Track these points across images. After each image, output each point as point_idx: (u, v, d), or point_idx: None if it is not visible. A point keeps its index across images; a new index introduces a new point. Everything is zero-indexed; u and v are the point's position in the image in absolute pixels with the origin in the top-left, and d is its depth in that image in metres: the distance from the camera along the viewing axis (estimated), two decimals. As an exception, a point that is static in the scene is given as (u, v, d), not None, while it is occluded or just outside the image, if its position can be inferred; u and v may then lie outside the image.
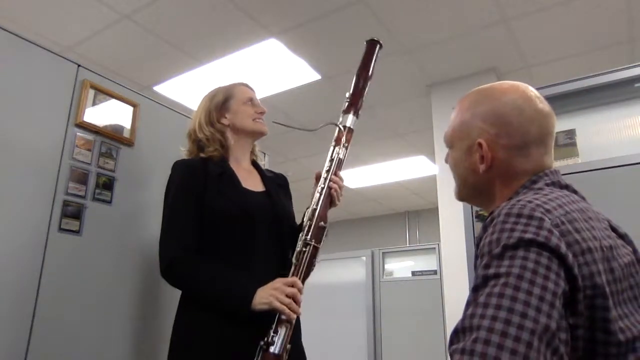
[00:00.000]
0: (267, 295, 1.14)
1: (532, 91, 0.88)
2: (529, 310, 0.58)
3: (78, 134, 1.50)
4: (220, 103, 1.47)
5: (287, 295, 1.14)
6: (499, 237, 0.66)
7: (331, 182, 1.34)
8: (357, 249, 4.77)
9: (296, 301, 1.15)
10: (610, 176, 1.53)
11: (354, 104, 1.47)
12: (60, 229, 1.41)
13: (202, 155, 1.41)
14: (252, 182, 1.41)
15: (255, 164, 1.51)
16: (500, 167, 0.83)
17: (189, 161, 1.40)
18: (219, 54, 3.33)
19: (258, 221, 1.30)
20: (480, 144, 0.84)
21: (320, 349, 3.66)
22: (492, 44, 3.21)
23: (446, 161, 0.96)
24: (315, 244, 1.24)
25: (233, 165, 1.41)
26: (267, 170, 1.54)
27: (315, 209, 1.27)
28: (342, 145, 1.40)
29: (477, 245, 0.74)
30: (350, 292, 4.42)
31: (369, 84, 1.51)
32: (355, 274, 4.51)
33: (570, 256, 0.64)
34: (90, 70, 1.58)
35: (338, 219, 7.50)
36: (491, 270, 0.63)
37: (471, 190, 0.90)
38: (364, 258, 4.54)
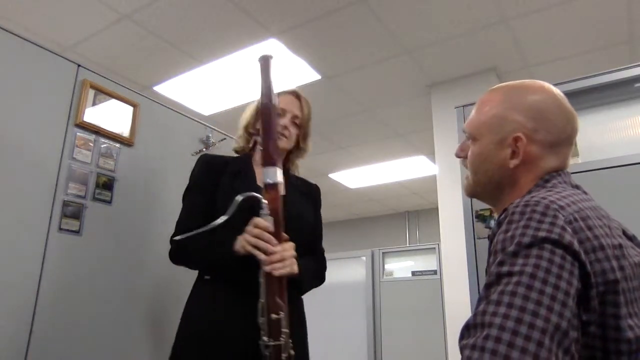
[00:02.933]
0: (240, 240, 1.17)
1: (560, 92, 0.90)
2: (540, 309, 0.58)
3: (78, 134, 1.50)
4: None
5: (254, 237, 1.15)
6: (513, 234, 0.67)
7: (271, 265, 1.14)
8: (357, 249, 4.77)
9: (265, 240, 1.14)
10: (610, 176, 1.53)
11: (270, 151, 1.19)
12: (60, 229, 1.41)
13: (236, 148, 1.46)
14: None
15: (285, 171, 1.43)
16: (530, 164, 0.83)
17: (209, 157, 1.42)
18: (219, 54, 3.33)
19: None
20: (516, 139, 0.83)
21: (320, 348, 3.66)
22: (492, 44, 3.21)
23: (458, 155, 0.94)
24: (275, 343, 1.08)
25: (257, 166, 1.39)
26: (300, 178, 1.50)
27: (263, 302, 1.12)
28: (276, 209, 1.17)
29: (490, 241, 0.74)
30: (350, 292, 4.42)
31: (276, 109, 1.28)
32: (355, 274, 4.51)
33: (582, 253, 0.64)
34: (90, 70, 1.58)
35: (338, 219, 7.50)
36: (505, 268, 0.64)
37: (491, 185, 0.87)
38: (364, 258, 4.54)
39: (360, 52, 3.31)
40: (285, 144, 1.39)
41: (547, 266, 0.62)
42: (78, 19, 2.99)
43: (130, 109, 1.67)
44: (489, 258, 0.72)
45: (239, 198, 1.14)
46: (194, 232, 1.19)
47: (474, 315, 0.62)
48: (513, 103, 0.87)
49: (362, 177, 5.77)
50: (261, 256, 1.12)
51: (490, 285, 0.64)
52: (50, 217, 1.39)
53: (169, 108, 1.84)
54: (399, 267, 4.53)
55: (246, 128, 1.45)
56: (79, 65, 1.55)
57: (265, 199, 1.15)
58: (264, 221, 1.15)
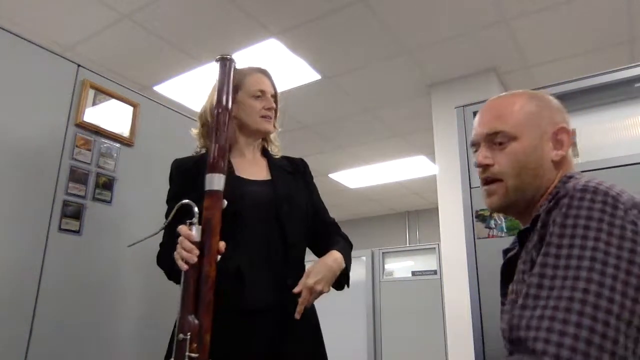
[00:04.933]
0: None
1: None
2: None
3: (78, 134, 1.50)
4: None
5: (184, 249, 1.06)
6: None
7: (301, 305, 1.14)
8: (357, 249, 4.75)
9: (187, 249, 1.04)
10: (610, 176, 1.53)
11: (216, 157, 1.13)
12: (60, 229, 1.41)
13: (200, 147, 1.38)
14: (255, 172, 1.34)
15: (266, 153, 1.42)
16: (565, 159, 0.86)
17: (178, 163, 1.35)
18: (219, 54, 3.33)
19: (248, 209, 1.23)
20: (558, 131, 0.86)
21: (320, 349, 3.66)
22: (492, 44, 3.21)
23: (485, 163, 0.87)
24: None
25: (235, 156, 1.35)
26: (284, 157, 1.44)
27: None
28: (211, 218, 1.08)
29: (544, 224, 0.74)
30: (350, 292, 4.41)
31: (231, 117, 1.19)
32: (355, 274, 4.49)
33: None
34: (90, 70, 1.58)
35: (338, 219, 7.48)
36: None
37: (534, 186, 0.85)
38: (364, 258, 4.54)
39: (360, 52, 3.31)
40: (271, 126, 1.37)
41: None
42: (78, 19, 2.99)
43: (130, 109, 1.67)
44: (541, 243, 0.72)
45: (178, 204, 1.09)
46: (144, 237, 1.14)
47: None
48: (542, 102, 0.89)
49: (362, 177, 5.77)
50: (183, 267, 1.02)
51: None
52: (50, 217, 1.39)
53: (169, 108, 1.84)
54: (399, 267, 4.53)
55: (211, 114, 1.34)
56: (79, 65, 1.55)
57: (205, 206, 1.06)
58: (187, 229, 1.06)
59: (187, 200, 1.07)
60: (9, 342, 1.25)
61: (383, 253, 4.52)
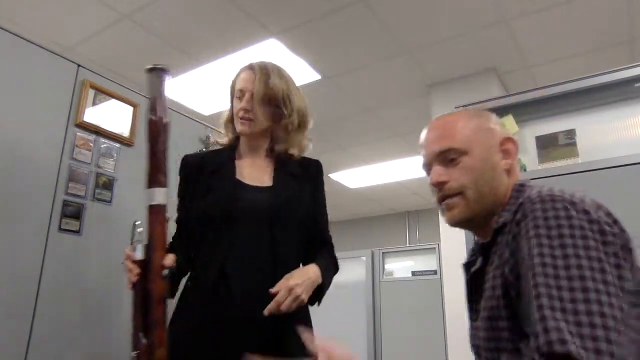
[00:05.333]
0: None
1: None
2: None
3: (78, 134, 1.50)
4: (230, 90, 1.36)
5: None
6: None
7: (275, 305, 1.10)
8: (357, 249, 4.77)
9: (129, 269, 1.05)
10: (610, 176, 1.53)
11: (152, 170, 1.10)
12: (60, 229, 1.41)
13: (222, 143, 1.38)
14: (257, 176, 1.29)
15: (275, 154, 1.33)
16: (512, 169, 0.90)
17: (185, 161, 1.35)
18: (219, 54, 3.33)
19: (242, 215, 1.20)
20: (504, 141, 0.89)
21: (320, 349, 3.66)
22: (492, 44, 3.20)
23: (441, 181, 0.88)
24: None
25: (240, 158, 1.32)
26: (296, 158, 1.35)
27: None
28: (153, 235, 1.05)
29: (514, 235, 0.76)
30: (350, 292, 4.42)
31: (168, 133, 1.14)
32: (355, 274, 4.50)
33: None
34: (90, 70, 1.58)
35: (338, 219, 7.50)
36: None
37: (491, 197, 0.87)
38: (364, 258, 4.54)
39: (360, 52, 3.31)
40: (248, 128, 1.26)
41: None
42: (78, 19, 2.98)
43: (130, 109, 1.67)
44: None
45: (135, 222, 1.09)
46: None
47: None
48: (482, 118, 0.94)
49: (362, 177, 5.77)
50: (128, 287, 1.02)
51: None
52: (50, 217, 1.39)
53: (169, 108, 1.84)
54: (399, 267, 4.53)
55: (228, 120, 1.37)
56: (79, 65, 1.55)
57: (148, 222, 1.03)
58: (129, 250, 1.05)
59: (138, 221, 1.07)
60: (9, 342, 1.25)
61: (383, 253, 4.52)
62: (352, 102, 3.99)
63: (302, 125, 1.33)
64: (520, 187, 0.87)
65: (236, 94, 1.30)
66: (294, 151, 1.33)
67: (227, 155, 1.32)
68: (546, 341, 0.61)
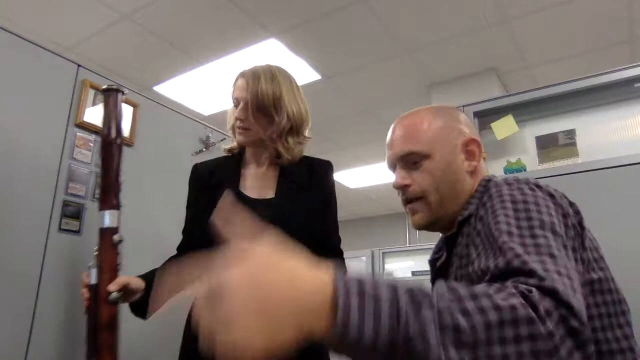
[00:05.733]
0: None
1: None
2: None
3: (78, 134, 1.50)
4: None
5: None
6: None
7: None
8: (357, 249, 4.77)
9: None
10: (610, 176, 1.53)
11: (105, 191, 1.06)
12: (60, 229, 1.41)
13: (228, 148, 1.37)
14: (260, 187, 1.27)
15: (280, 162, 1.29)
16: (480, 167, 0.89)
17: (195, 169, 1.35)
18: (219, 54, 3.33)
19: None
20: (467, 142, 0.88)
21: (320, 349, 3.66)
22: (492, 44, 3.21)
23: (404, 184, 0.87)
24: None
25: (245, 167, 1.32)
26: (306, 160, 1.32)
27: None
28: (105, 260, 1.03)
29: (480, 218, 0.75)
30: (350, 292, 4.41)
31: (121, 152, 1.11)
32: (355, 274, 4.50)
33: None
34: (90, 70, 1.58)
35: (338, 219, 7.48)
36: None
37: (453, 200, 0.86)
38: (364, 258, 4.54)
39: (360, 52, 3.31)
40: (244, 137, 1.25)
41: None
42: (78, 19, 2.99)
43: (130, 109, 1.67)
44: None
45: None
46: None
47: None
48: (448, 116, 0.92)
49: (362, 177, 5.77)
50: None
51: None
52: (50, 217, 1.39)
53: (169, 108, 1.84)
54: (399, 267, 4.52)
55: (232, 128, 1.34)
56: (79, 65, 1.55)
57: (98, 246, 1.02)
58: (85, 275, 1.04)
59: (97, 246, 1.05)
60: (9, 342, 1.25)
61: (383, 253, 4.52)
62: (352, 102, 3.99)
63: (296, 128, 1.28)
64: (486, 183, 0.86)
65: (233, 102, 1.28)
66: (291, 157, 1.28)
67: (233, 165, 1.32)
68: (505, 260, 0.56)
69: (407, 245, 6.70)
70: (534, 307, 0.48)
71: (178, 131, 1.84)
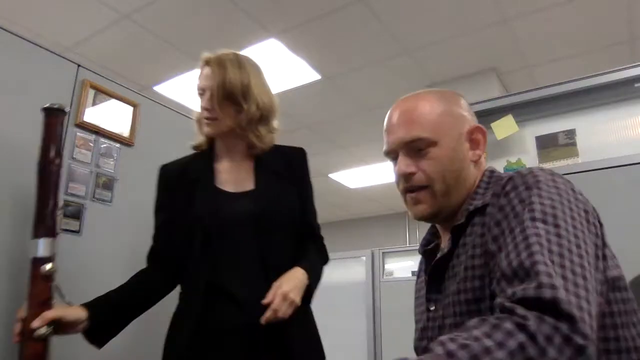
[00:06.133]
0: None
1: None
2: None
3: (78, 134, 1.50)
4: None
5: None
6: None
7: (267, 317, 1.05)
8: (357, 249, 4.77)
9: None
10: (610, 176, 1.53)
11: (42, 218, 1.00)
12: (60, 229, 1.41)
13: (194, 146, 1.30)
14: (238, 180, 1.23)
15: (254, 152, 1.25)
16: (483, 157, 0.87)
17: (165, 170, 1.29)
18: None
19: (224, 227, 1.15)
20: (473, 130, 0.86)
21: (320, 349, 3.66)
22: (492, 44, 3.21)
23: (410, 172, 0.83)
24: None
25: (218, 161, 1.26)
26: (279, 149, 1.29)
27: None
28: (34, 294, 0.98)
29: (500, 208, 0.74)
30: (350, 292, 4.42)
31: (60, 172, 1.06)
32: (355, 274, 4.50)
33: None
34: (90, 70, 1.58)
35: (338, 219, 7.50)
36: None
37: (458, 189, 0.83)
38: (364, 258, 4.54)
39: (360, 52, 3.31)
40: (212, 128, 1.20)
41: None
42: (78, 19, 2.99)
43: (130, 109, 1.67)
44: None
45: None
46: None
47: None
48: (451, 101, 0.88)
49: (362, 177, 5.77)
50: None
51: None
52: (50, 217, 1.39)
53: (169, 108, 1.84)
54: (399, 267, 4.52)
55: (198, 120, 1.28)
56: (79, 65, 1.55)
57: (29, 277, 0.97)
58: (21, 307, 1.00)
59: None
60: (9, 342, 1.25)
61: (383, 253, 4.51)
62: (352, 102, 3.99)
63: (265, 117, 1.24)
64: (491, 173, 0.85)
65: (198, 92, 1.23)
66: (263, 145, 1.23)
67: (205, 161, 1.25)
68: (537, 283, 0.58)
69: (407, 245, 6.70)
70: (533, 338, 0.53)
71: (178, 131, 1.84)
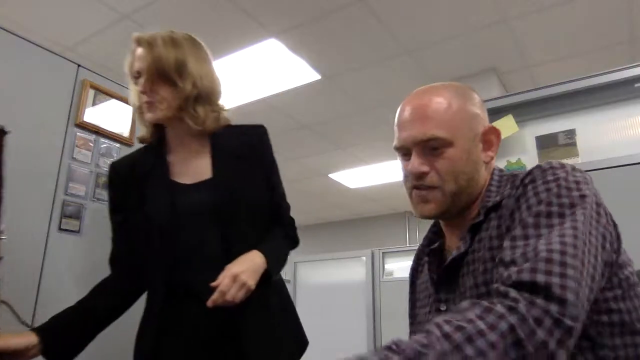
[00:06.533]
0: None
1: None
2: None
3: (78, 134, 1.50)
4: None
5: None
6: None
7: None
8: (357, 249, 4.77)
9: None
10: (610, 176, 1.53)
11: None
12: (60, 229, 1.41)
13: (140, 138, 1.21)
14: (194, 169, 1.15)
15: (209, 135, 1.16)
16: (493, 159, 0.87)
17: (113, 167, 1.21)
18: (219, 54, 3.33)
19: (183, 221, 1.08)
20: (487, 131, 0.85)
21: (320, 348, 3.67)
22: (492, 44, 3.20)
23: (423, 171, 0.81)
24: None
25: (170, 152, 1.17)
26: (234, 129, 1.19)
27: None
28: None
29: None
30: (350, 292, 4.42)
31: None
32: (355, 274, 4.50)
33: None
34: (90, 70, 1.58)
35: (338, 219, 7.50)
36: None
37: (469, 190, 0.82)
38: (364, 258, 4.54)
39: (360, 52, 3.31)
40: (154, 113, 1.10)
41: None
42: (78, 19, 2.98)
43: (130, 109, 1.67)
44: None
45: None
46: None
47: None
48: (467, 98, 0.85)
49: (362, 177, 5.77)
50: None
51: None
52: (50, 217, 1.39)
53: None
54: (399, 267, 4.53)
55: (138, 109, 1.17)
56: (79, 65, 1.55)
57: None
58: None
59: None
60: (9, 342, 1.25)
61: (383, 253, 4.52)
62: (352, 102, 3.99)
63: (206, 96, 1.13)
64: (500, 172, 0.86)
65: (131, 75, 1.12)
66: (199, 127, 1.12)
67: (156, 154, 1.17)
68: (532, 267, 0.61)
69: (407, 245, 6.70)
70: (523, 319, 0.55)
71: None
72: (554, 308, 0.56)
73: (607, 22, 2.94)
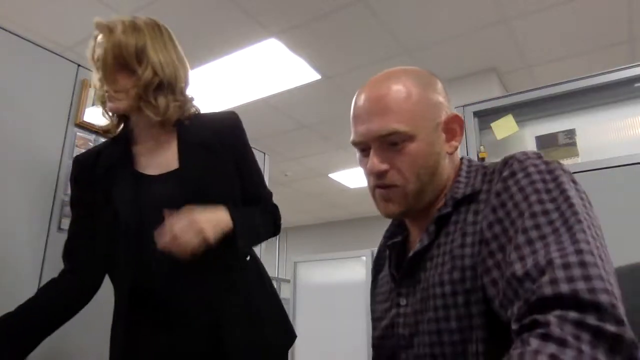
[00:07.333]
0: None
1: None
2: None
3: (78, 134, 1.50)
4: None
5: None
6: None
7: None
8: (357, 249, 4.76)
9: None
10: (610, 176, 1.53)
11: None
12: (60, 229, 1.41)
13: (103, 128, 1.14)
14: (161, 160, 1.09)
15: (176, 124, 1.10)
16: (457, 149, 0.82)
17: (77, 160, 1.14)
18: (219, 53, 3.33)
19: (148, 214, 1.01)
20: (454, 117, 0.79)
21: (319, 348, 3.66)
22: (492, 44, 3.21)
23: (383, 170, 0.76)
24: None
25: (136, 142, 1.12)
26: (203, 118, 1.15)
27: None
28: None
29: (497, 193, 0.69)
30: (350, 292, 4.41)
31: None
32: (355, 274, 4.50)
33: None
34: (90, 70, 1.58)
35: (338, 219, 7.49)
36: None
37: (432, 185, 0.77)
38: (364, 258, 4.54)
39: (360, 52, 3.31)
40: (115, 103, 1.04)
41: None
42: (78, 19, 2.99)
43: (130, 109, 1.67)
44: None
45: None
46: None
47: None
48: (427, 85, 0.79)
49: (362, 177, 5.73)
50: None
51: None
52: (50, 217, 1.39)
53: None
54: (399, 267, 4.52)
55: (100, 99, 1.10)
56: (79, 65, 1.55)
57: None
58: None
59: None
60: (9, 342, 1.25)
61: (383, 253, 4.51)
62: (352, 102, 3.99)
63: (168, 85, 1.06)
64: (469, 162, 0.81)
65: (93, 63, 1.07)
66: (159, 117, 1.05)
67: (121, 145, 1.11)
68: (552, 278, 0.52)
69: (407, 245, 6.69)
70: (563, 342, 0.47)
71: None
72: (590, 317, 0.48)
73: (606, 22, 2.95)
